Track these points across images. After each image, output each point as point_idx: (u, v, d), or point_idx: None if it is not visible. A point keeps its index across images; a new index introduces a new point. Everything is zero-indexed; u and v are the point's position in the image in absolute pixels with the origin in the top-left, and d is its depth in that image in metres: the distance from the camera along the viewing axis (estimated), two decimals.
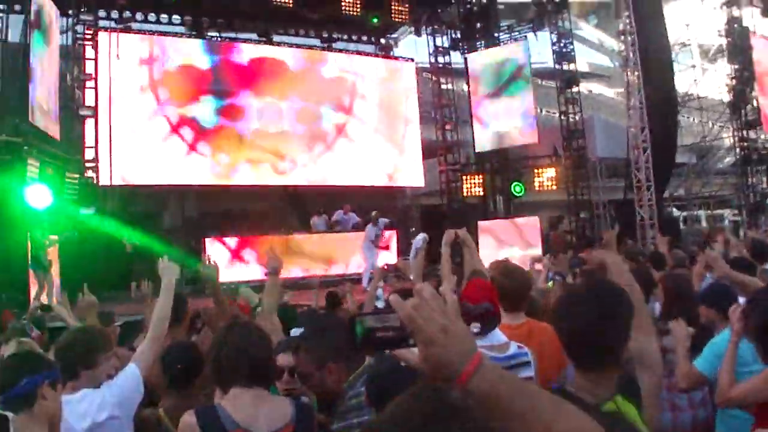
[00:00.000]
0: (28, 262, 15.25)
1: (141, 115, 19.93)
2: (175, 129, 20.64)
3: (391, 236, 21.70)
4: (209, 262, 6.10)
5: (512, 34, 25.83)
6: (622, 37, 23.17)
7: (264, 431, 3.35)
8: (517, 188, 23.40)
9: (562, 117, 24.45)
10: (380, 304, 6.84)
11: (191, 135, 20.89)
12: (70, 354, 3.98)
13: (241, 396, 3.41)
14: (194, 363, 4.52)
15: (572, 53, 24.72)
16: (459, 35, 26.26)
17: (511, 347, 4.18)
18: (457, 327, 1.60)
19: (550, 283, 6.19)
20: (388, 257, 19.40)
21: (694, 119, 32.44)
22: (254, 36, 23.09)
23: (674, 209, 29.16)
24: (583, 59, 38.34)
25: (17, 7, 17.48)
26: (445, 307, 1.62)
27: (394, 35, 26.81)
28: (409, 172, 24.85)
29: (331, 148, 23.29)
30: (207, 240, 19.34)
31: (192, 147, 20.84)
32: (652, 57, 23.28)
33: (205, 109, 21.26)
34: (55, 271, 15.76)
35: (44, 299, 13.98)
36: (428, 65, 26.77)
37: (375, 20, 24.34)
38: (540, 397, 1.57)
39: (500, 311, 4.40)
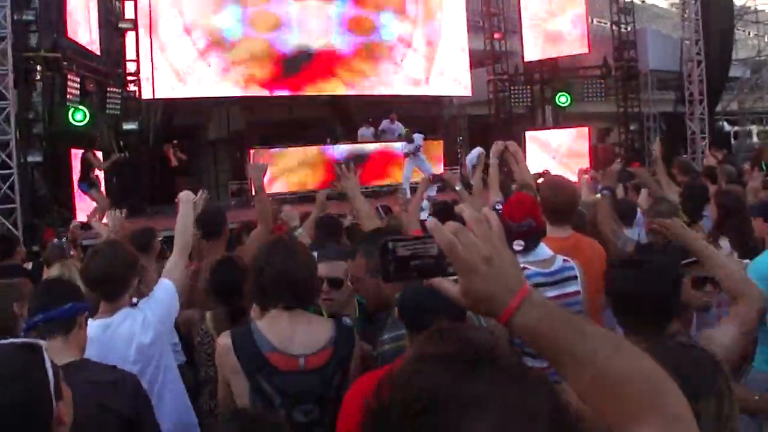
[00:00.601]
0: (73, 179, 15.30)
1: (180, 28, 19.44)
2: (209, 44, 19.95)
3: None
4: (255, 162, 6.06)
5: None
6: None
7: (301, 353, 3.23)
8: (562, 99, 22.79)
9: (614, 27, 23.73)
10: (425, 215, 6.71)
11: (221, 49, 20.13)
12: (103, 276, 3.84)
13: (279, 317, 3.29)
14: (239, 278, 4.42)
15: None
16: None
17: (557, 261, 4.03)
18: (503, 256, 1.41)
19: (598, 196, 5.99)
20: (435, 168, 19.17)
21: (749, 33, 31.52)
22: None
23: (725, 124, 28.41)
24: None
25: None
26: (490, 233, 1.42)
27: None
28: (455, 81, 24.17)
29: (381, 59, 22.63)
30: (252, 151, 18.86)
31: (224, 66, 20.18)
32: None
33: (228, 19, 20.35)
34: (101, 188, 15.75)
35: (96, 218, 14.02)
36: None
37: None
38: (594, 335, 1.37)
39: (545, 226, 4.25)
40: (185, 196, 4.77)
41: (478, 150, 7.43)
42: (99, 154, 15.47)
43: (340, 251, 4.31)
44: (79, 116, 15.40)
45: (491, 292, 1.37)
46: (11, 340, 2.26)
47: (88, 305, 3.39)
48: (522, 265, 3.94)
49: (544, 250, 4.07)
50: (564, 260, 4.04)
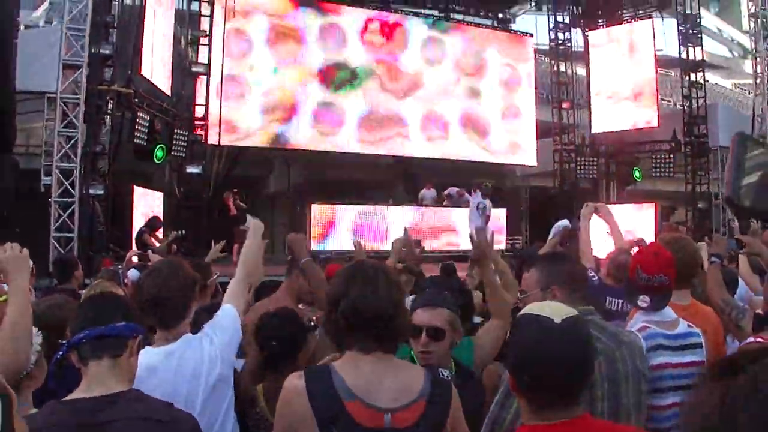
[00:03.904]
0: (132, 218, 15.20)
1: (252, 75, 19.76)
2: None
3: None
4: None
5: (637, 12, 24.62)
6: (751, 20, 22.11)
7: (386, 407, 2.60)
8: (636, 173, 22.43)
9: (685, 101, 23.28)
10: None
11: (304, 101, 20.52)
12: (161, 295, 3.38)
13: (360, 360, 2.66)
14: (292, 338, 4.00)
15: (699, 36, 23.28)
16: (580, 11, 25.22)
17: (680, 325, 3.59)
18: None
19: (707, 265, 5.58)
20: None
21: None
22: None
23: None
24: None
25: None
26: None
27: (512, 9, 26.01)
28: (521, 150, 24.13)
29: (448, 129, 22.74)
30: (314, 206, 18.87)
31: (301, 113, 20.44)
32: None
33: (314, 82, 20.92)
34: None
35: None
36: (546, 46, 25.90)
37: None
38: None
39: (673, 287, 3.76)
40: (256, 225, 4.25)
41: (564, 222, 6.96)
42: (159, 234, 15.27)
43: (443, 296, 3.66)
44: (159, 153, 15.56)
45: None
46: None
47: (143, 329, 2.90)
48: (643, 324, 3.55)
49: (669, 312, 3.64)
50: (688, 325, 3.61)
